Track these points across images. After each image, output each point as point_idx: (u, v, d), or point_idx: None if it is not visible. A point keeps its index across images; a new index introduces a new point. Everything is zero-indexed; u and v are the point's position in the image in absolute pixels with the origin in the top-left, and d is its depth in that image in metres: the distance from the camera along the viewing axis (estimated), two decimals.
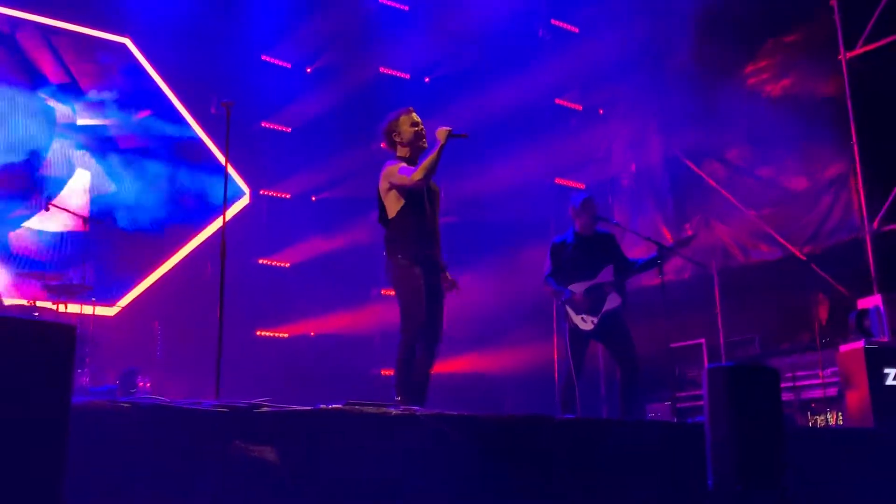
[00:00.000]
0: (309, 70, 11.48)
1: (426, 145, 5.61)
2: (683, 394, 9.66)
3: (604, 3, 12.25)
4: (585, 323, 6.47)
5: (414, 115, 5.65)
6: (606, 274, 6.56)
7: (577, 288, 6.50)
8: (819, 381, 8.82)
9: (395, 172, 5.45)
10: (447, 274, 5.64)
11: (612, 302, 6.51)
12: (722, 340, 9.96)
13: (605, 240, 6.79)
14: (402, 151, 5.61)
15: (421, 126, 5.61)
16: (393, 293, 5.53)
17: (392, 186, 5.48)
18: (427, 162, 5.35)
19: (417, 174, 5.35)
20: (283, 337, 10.86)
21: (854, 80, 9.54)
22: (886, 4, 9.38)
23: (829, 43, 9.79)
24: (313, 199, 11.40)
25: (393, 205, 5.51)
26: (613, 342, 6.55)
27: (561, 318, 6.64)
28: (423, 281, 5.35)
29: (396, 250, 5.44)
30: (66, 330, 2.65)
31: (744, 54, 10.62)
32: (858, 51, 9.57)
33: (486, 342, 11.02)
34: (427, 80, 12.17)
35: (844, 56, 9.65)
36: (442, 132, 5.41)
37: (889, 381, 6.51)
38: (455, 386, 9.83)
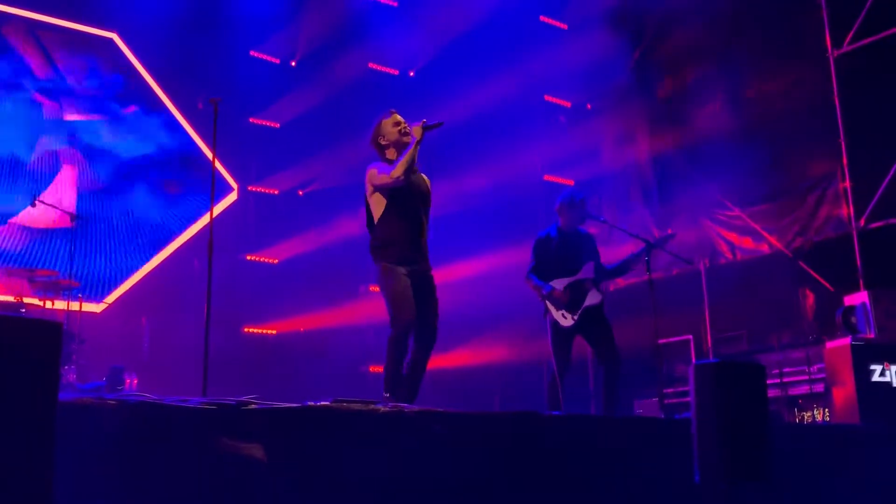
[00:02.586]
0: (293, 63, 11.43)
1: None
2: (671, 390, 9.69)
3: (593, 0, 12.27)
4: (566, 319, 6.48)
5: (395, 115, 5.63)
6: (587, 271, 6.58)
7: (559, 284, 6.51)
8: (806, 377, 8.86)
9: (376, 174, 5.45)
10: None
11: (593, 298, 6.53)
12: (709, 337, 10.00)
13: (585, 238, 6.82)
14: (390, 154, 5.58)
15: (403, 125, 5.58)
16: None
17: (375, 189, 5.47)
18: (404, 158, 5.34)
19: (396, 170, 5.33)
20: (271, 334, 10.85)
21: (842, 77, 9.58)
22: (874, 2, 9.42)
23: (817, 40, 9.82)
24: (300, 193, 11.38)
25: (377, 207, 5.49)
26: (595, 338, 6.56)
27: (543, 314, 6.65)
28: (409, 281, 5.34)
29: (380, 254, 5.45)
30: (52, 327, 2.64)
31: (733, 52, 10.63)
32: (846, 48, 9.61)
33: (475, 338, 11.03)
34: (412, 73, 12.16)
35: (832, 53, 9.69)
36: (417, 129, 5.40)
37: (875, 378, 6.55)
38: (444, 382, 9.85)
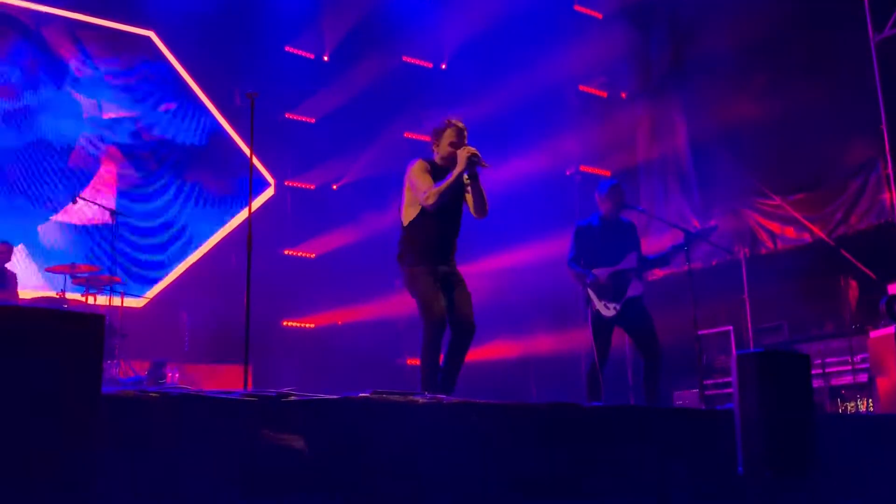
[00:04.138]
0: (326, 58, 11.45)
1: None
2: (711, 381, 9.61)
3: None
4: (608, 309, 6.43)
5: (462, 135, 5.43)
6: (629, 261, 6.53)
7: (601, 273, 6.46)
8: (849, 367, 8.73)
9: (419, 177, 5.36)
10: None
11: (635, 289, 6.47)
12: (750, 327, 9.89)
13: (627, 228, 6.75)
14: (437, 157, 5.53)
15: (462, 142, 5.45)
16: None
17: (411, 187, 5.43)
18: (440, 188, 5.24)
19: (430, 197, 5.26)
20: (310, 327, 10.91)
21: (883, 61, 9.41)
22: None
23: (858, 25, 9.65)
24: (334, 187, 11.41)
25: (408, 208, 5.45)
26: (636, 329, 6.51)
27: (584, 303, 6.60)
28: (433, 277, 5.32)
29: (405, 257, 5.44)
30: (94, 320, 2.67)
31: (772, 38, 10.48)
32: (887, 33, 9.44)
33: (512, 330, 11.01)
34: (444, 66, 12.13)
35: (873, 38, 9.52)
36: (462, 155, 5.24)
37: None
38: (482, 374, 9.84)
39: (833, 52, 9.89)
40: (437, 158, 5.50)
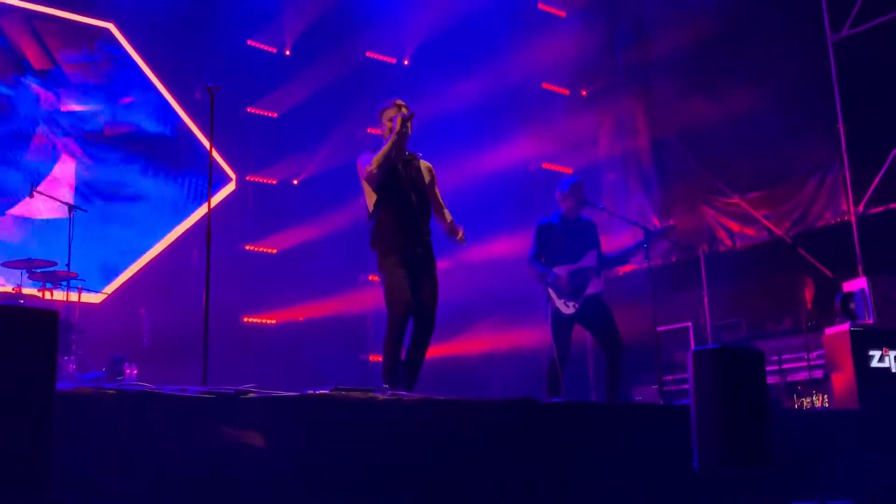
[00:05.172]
0: (287, 52, 11.38)
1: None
2: (670, 377, 9.71)
3: None
4: (568, 307, 6.48)
5: (396, 106, 5.62)
6: (589, 259, 6.58)
7: (561, 271, 6.50)
8: (805, 363, 8.87)
9: (361, 166, 5.52)
10: (458, 230, 5.71)
11: (595, 287, 6.53)
12: (709, 323, 10.01)
13: (588, 227, 6.81)
14: (383, 137, 5.65)
15: (399, 117, 5.55)
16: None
17: (363, 179, 5.54)
18: (379, 153, 5.39)
19: (373, 164, 5.40)
20: (271, 323, 10.85)
21: (840, 62, 9.55)
22: None
23: (815, 25, 9.78)
24: (295, 182, 11.36)
25: (370, 197, 5.59)
26: (596, 326, 6.56)
27: (545, 301, 6.65)
28: (404, 267, 5.36)
29: (376, 243, 5.52)
30: (48, 315, 2.64)
31: (731, 37, 10.60)
32: (845, 33, 9.58)
33: (474, 326, 11.04)
34: (406, 62, 12.12)
35: (830, 38, 9.65)
36: (389, 115, 5.53)
37: (874, 364, 6.55)
38: (444, 370, 9.85)
39: (791, 50, 10.03)
40: (383, 139, 5.60)
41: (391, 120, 5.56)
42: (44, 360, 2.61)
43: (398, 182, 5.51)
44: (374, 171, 5.38)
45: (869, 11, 9.41)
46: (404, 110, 5.60)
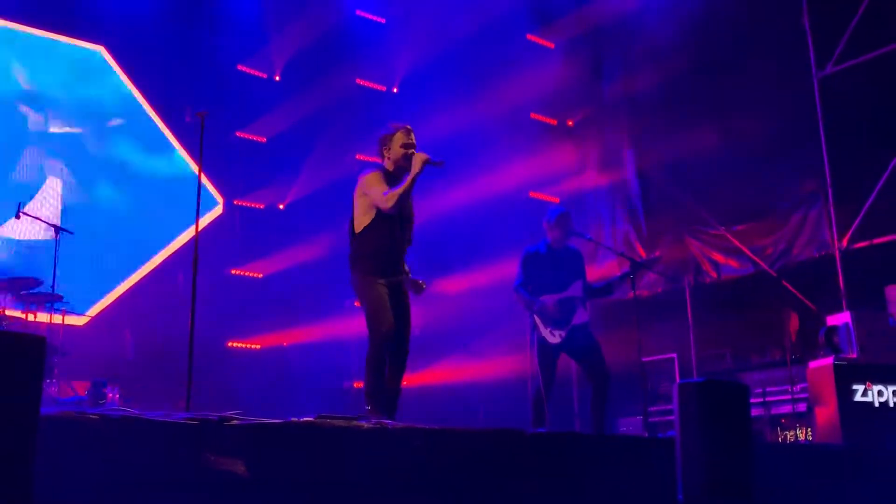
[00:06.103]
0: (277, 78, 11.42)
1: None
2: (655, 408, 9.71)
3: (580, 20, 12.36)
4: (554, 336, 6.49)
5: (410, 135, 5.60)
6: (575, 289, 6.60)
7: (548, 300, 6.52)
8: (789, 396, 8.89)
9: (374, 184, 5.42)
10: (413, 278, 5.59)
11: (581, 317, 6.54)
12: (694, 355, 10.03)
13: (574, 256, 6.84)
14: (387, 164, 5.60)
15: (412, 149, 5.55)
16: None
17: (365, 194, 5.46)
18: (399, 190, 5.32)
19: (389, 200, 5.32)
20: (255, 348, 10.80)
21: (825, 98, 9.66)
22: (857, 26, 9.51)
23: (802, 62, 9.90)
24: (281, 206, 11.36)
25: (361, 217, 5.48)
26: (583, 356, 6.57)
27: (530, 329, 6.66)
28: (386, 287, 5.35)
29: (359, 264, 5.45)
30: (35, 341, 2.63)
31: (719, 72, 10.69)
32: (830, 70, 9.70)
33: (459, 354, 11.02)
34: (395, 90, 12.18)
35: (816, 75, 9.77)
36: (418, 160, 5.36)
37: (857, 398, 6.57)
38: (428, 398, 9.82)
39: (777, 84, 10.13)
40: (387, 164, 5.58)
41: (405, 147, 5.51)
42: (29, 385, 2.59)
43: (397, 218, 5.48)
44: (391, 209, 5.32)
45: (854, 48, 9.54)
46: (412, 136, 5.59)
